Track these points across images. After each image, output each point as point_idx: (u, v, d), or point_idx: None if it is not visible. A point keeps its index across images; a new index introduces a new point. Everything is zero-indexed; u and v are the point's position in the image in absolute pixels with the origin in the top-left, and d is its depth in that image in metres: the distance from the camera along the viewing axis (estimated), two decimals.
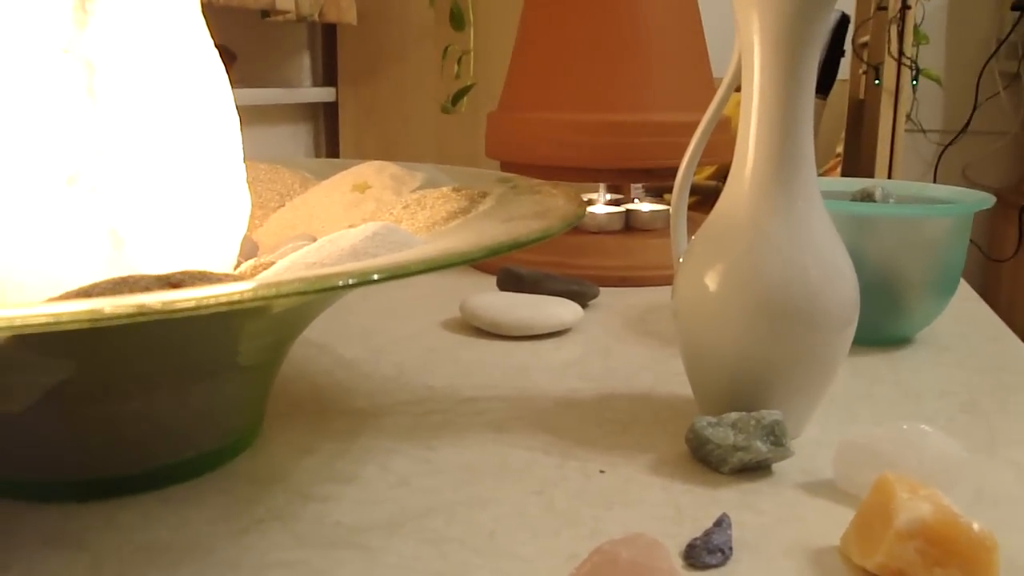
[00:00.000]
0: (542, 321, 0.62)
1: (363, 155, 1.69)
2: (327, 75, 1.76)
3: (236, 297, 0.23)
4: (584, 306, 0.71)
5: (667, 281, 0.80)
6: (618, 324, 0.67)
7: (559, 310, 0.63)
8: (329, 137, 1.78)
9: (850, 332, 0.45)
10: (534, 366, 0.58)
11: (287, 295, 0.24)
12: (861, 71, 1.95)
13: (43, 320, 0.23)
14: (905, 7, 1.80)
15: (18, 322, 0.23)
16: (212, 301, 0.23)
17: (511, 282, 0.71)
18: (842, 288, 0.44)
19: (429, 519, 0.38)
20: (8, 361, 0.34)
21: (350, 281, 0.25)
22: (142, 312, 0.23)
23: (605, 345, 0.62)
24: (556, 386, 0.54)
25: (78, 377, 0.36)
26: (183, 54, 0.41)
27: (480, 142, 1.63)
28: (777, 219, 0.44)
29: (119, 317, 0.23)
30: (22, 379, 0.36)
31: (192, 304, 0.23)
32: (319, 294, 0.25)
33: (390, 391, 0.53)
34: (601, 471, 0.43)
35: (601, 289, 0.74)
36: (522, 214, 0.39)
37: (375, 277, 0.27)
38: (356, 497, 0.40)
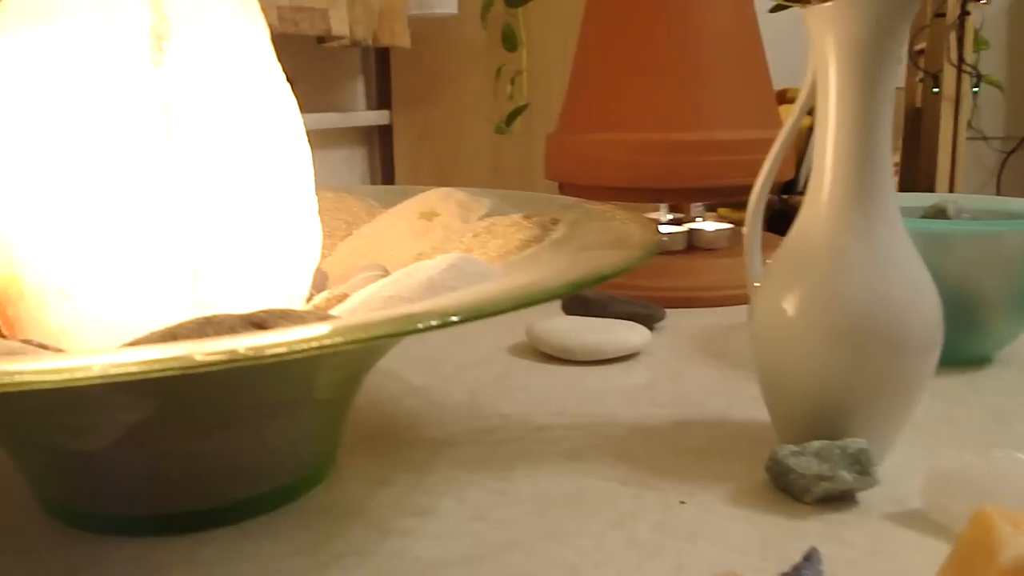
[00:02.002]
0: (611, 345, 0.62)
1: (418, 176, 1.70)
2: (381, 98, 1.78)
3: (327, 342, 0.23)
4: (651, 328, 0.70)
5: (732, 302, 0.79)
6: (686, 347, 0.67)
7: (628, 334, 0.63)
8: (384, 160, 1.79)
9: (935, 355, 0.44)
10: (605, 392, 0.57)
11: (379, 337, 0.24)
12: (918, 79, 1.91)
13: (136, 369, 0.23)
14: (964, 13, 1.77)
15: (112, 371, 0.23)
16: (304, 346, 0.23)
17: (578, 306, 0.70)
18: (926, 310, 0.43)
19: (509, 553, 0.38)
20: (91, 401, 0.34)
21: (433, 322, 0.25)
22: (233, 359, 0.23)
23: (675, 369, 0.61)
24: (628, 412, 0.54)
25: (159, 414, 0.36)
26: (256, 88, 0.42)
27: (534, 162, 1.63)
28: (857, 242, 0.43)
29: (210, 365, 0.23)
30: (103, 418, 0.36)
31: (284, 350, 0.23)
32: (409, 335, 0.24)
33: (462, 419, 0.53)
34: (681, 502, 0.42)
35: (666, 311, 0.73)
36: (598, 243, 0.39)
37: (459, 317, 0.27)
38: (434, 531, 0.40)
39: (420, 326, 0.24)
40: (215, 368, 0.23)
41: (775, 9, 0.46)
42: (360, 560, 0.38)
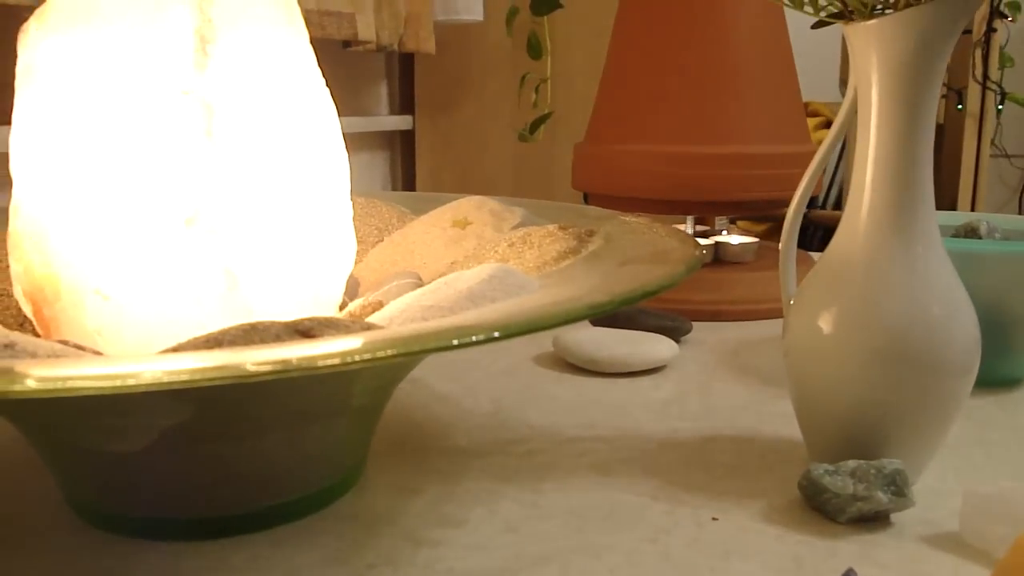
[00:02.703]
0: (639, 358, 0.61)
1: (439, 182, 1.70)
2: (404, 104, 1.78)
3: (380, 354, 0.23)
4: (678, 341, 0.70)
5: (759, 316, 0.78)
6: (713, 361, 0.66)
7: (656, 346, 0.62)
8: (405, 165, 1.80)
9: (972, 376, 0.43)
10: (633, 404, 0.57)
11: (432, 350, 0.24)
12: (942, 95, 1.90)
13: (188, 377, 0.23)
14: (991, 29, 1.76)
15: (165, 379, 0.22)
16: (357, 357, 0.23)
17: (604, 317, 0.70)
18: (964, 330, 0.43)
19: (543, 568, 0.38)
20: (132, 404, 0.34)
21: (482, 336, 0.25)
22: (286, 370, 0.23)
23: (703, 382, 0.61)
24: (658, 426, 0.53)
25: (195, 419, 0.36)
26: (298, 93, 0.42)
27: (556, 170, 1.63)
28: (896, 261, 0.42)
29: (262, 375, 0.23)
30: (139, 421, 0.36)
31: (337, 361, 0.23)
32: (462, 348, 0.24)
33: (490, 429, 0.53)
34: (714, 518, 0.42)
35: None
36: (637, 257, 0.38)
37: (509, 332, 0.26)
38: (466, 542, 0.40)
39: (473, 339, 0.24)
40: (266, 378, 0.23)
41: (817, 26, 0.46)
42: (392, 570, 0.37)
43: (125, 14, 0.38)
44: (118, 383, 0.22)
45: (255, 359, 0.23)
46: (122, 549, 0.39)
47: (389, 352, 0.23)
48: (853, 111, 0.45)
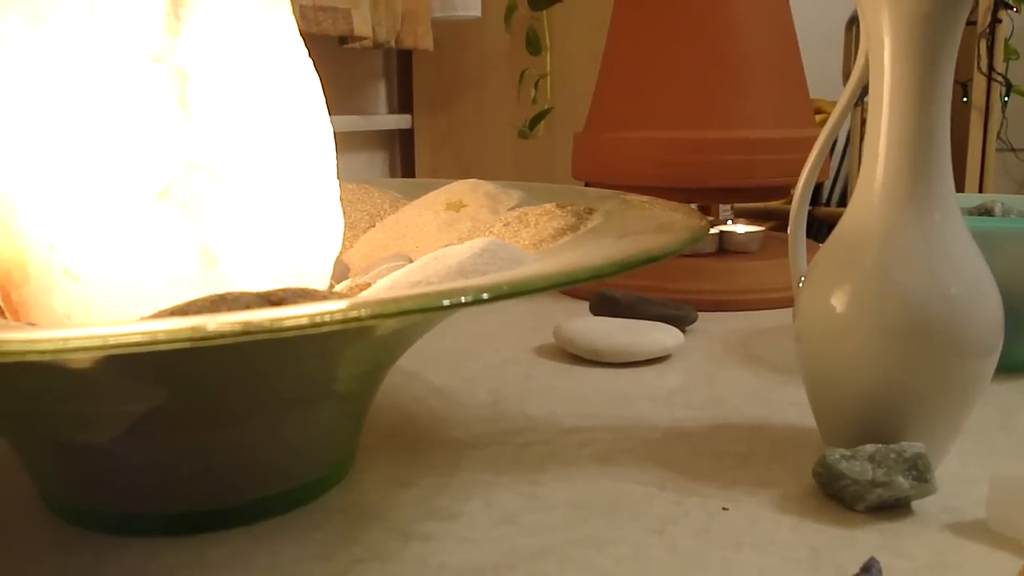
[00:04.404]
0: (643, 347, 0.59)
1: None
2: (402, 102, 1.76)
3: (354, 314, 0.21)
4: (683, 331, 0.67)
5: (764, 305, 0.76)
6: (720, 350, 0.64)
7: (660, 335, 0.60)
8: (404, 164, 1.77)
9: (995, 355, 0.41)
10: (637, 394, 0.54)
11: (409, 312, 0.21)
12: None
13: (139, 339, 0.20)
14: (996, 20, 1.74)
15: (112, 341, 0.20)
16: (328, 318, 0.21)
17: (606, 306, 0.68)
18: (987, 306, 0.40)
19: (542, 561, 0.35)
20: (96, 387, 0.32)
21: (483, 295, 0.22)
22: (248, 330, 0.20)
23: (709, 371, 0.59)
24: (663, 415, 0.51)
25: (167, 405, 0.34)
26: (278, 63, 0.39)
27: (556, 166, 1.61)
28: (913, 233, 0.40)
29: (223, 336, 0.20)
30: (110, 407, 0.34)
31: (304, 322, 0.20)
32: (442, 311, 0.22)
33: (487, 420, 0.50)
34: (724, 508, 0.39)
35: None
36: (640, 229, 0.36)
37: (492, 294, 0.24)
38: (460, 536, 0.37)
39: (448, 302, 0.22)
40: (228, 340, 0.20)
41: None
42: (380, 566, 0.35)
43: None
44: (59, 346, 0.20)
45: (217, 320, 0.21)
46: (97, 545, 0.37)
47: (362, 312, 0.21)
48: (864, 77, 0.43)
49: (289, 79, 0.40)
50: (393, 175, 1.77)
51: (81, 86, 0.36)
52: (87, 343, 0.20)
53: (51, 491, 0.39)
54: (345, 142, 1.58)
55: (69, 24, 0.37)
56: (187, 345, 0.20)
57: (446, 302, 0.22)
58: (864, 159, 0.42)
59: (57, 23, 0.37)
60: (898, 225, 0.40)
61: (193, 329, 0.20)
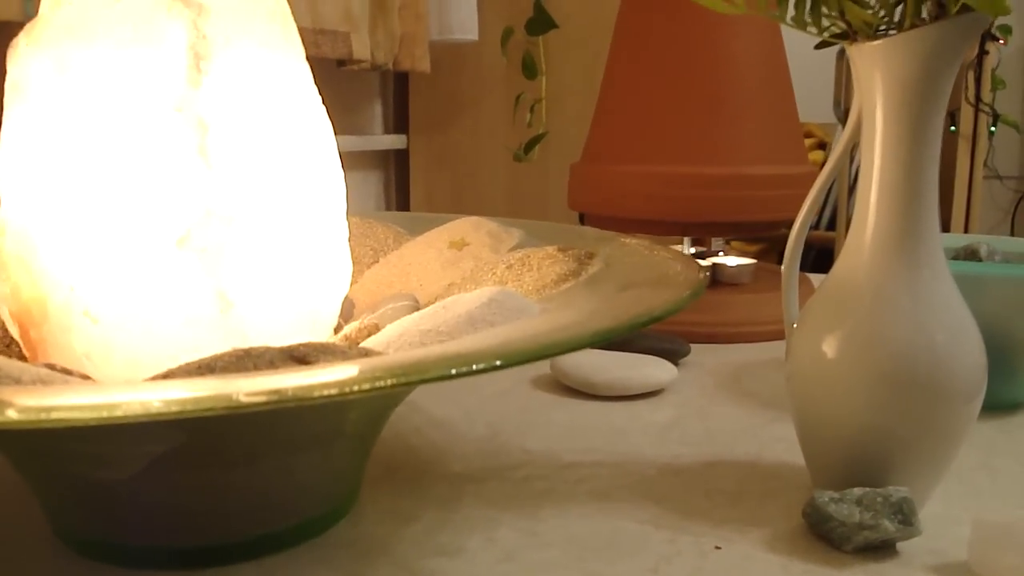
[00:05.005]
0: (637, 381, 0.60)
1: (432, 202, 1.70)
2: (398, 123, 1.77)
3: (380, 384, 0.22)
4: (676, 364, 0.69)
5: (756, 338, 0.78)
6: (712, 384, 0.65)
7: (654, 370, 0.61)
8: (399, 184, 1.79)
9: (978, 401, 0.43)
10: (632, 429, 0.56)
11: (434, 379, 0.23)
12: None
13: (178, 408, 0.22)
14: (983, 52, 1.77)
15: (153, 409, 0.22)
16: (355, 387, 0.22)
17: None
18: (970, 355, 0.42)
19: None
20: (121, 432, 0.33)
21: (496, 363, 0.24)
22: (281, 399, 0.22)
23: (702, 407, 0.60)
24: (658, 451, 0.52)
25: (185, 446, 0.35)
26: (294, 113, 0.41)
27: (550, 190, 1.63)
28: (901, 286, 0.42)
29: (256, 406, 0.22)
30: (131, 448, 0.35)
31: (334, 391, 0.22)
32: (464, 377, 0.23)
33: (487, 454, 0.52)
34: (717, 547, 0.41)
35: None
36: (639, 280, 0.38)
37: (514, 360, 0.25)
38: (463, 572, 0.39)
39: (474, 367, 0.23)
40: (260, 409, 0.22)
41: (820, 46, 0.45)
42: None
43: (117, 29, 0.37)
44: (104, 414, 0.21)
45: (248, 389, 0.22)
46: None
47: (388, 382, 0.22)
48: (857, 133, 0.44)
49: (304, 127, 0.42)
50: (388, 195, 1.78)
51: (105, 133, 0.38)
52: (127, 411, 0.21)
53: (65, 524, 0.41)
54: (341, 162, 1.60)
55: (94, 73, 0.38)
56: (220, 413, 0.22)
57: (471, 366, 0.24)
58: (856, 210, 0.44)
59: (83, 71, 0.38)
60: (887, 279, 0.42)
61: (227, 399, 0.21)
